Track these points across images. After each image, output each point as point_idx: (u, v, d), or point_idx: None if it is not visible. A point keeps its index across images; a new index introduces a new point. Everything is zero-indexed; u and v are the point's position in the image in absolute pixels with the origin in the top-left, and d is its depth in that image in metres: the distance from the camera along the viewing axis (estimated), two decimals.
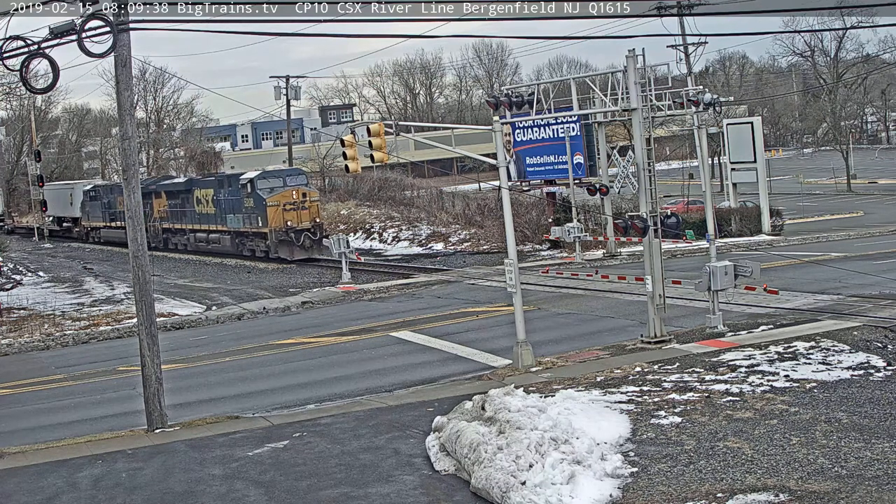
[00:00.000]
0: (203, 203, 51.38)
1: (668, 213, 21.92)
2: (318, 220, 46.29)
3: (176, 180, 57.84)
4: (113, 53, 16.72)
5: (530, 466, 12.21)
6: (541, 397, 15.16)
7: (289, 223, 44.51)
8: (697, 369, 17.62)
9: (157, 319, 19.73)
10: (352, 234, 46.45)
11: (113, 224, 61.87)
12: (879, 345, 18.66)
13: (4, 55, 16.79)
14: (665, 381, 16.88)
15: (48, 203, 72.46)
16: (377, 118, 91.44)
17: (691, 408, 14.98)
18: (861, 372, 16.49)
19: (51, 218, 74.18)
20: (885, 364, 16.90)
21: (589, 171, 42.09)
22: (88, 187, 68.12)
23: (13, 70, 19.06)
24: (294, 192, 45.13)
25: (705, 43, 52.97)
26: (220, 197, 49.64)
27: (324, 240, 45.22)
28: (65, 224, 73.71)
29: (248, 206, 46.28)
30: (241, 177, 47.94)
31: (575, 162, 41.20)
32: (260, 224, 45.78)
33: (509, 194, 21.04)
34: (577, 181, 40.86)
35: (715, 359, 18.33)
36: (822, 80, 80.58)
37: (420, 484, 13.07)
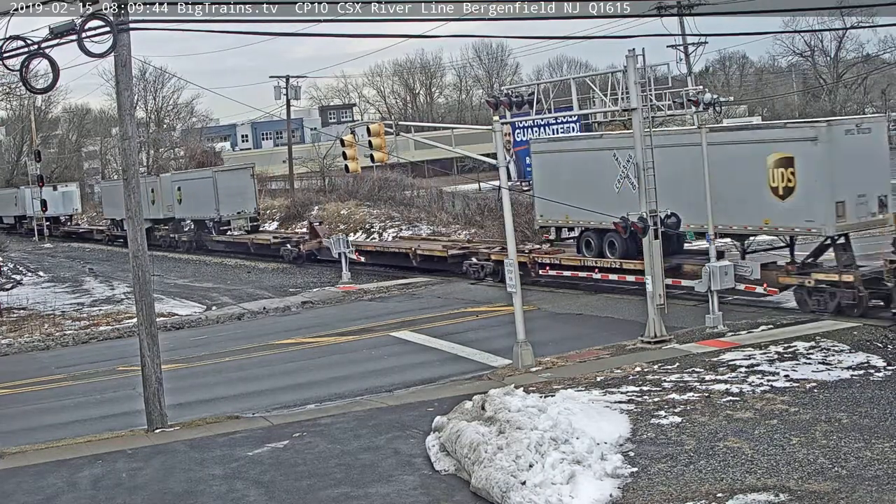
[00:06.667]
0: None
1: (669, 213, 21.85)
2: None
3: None
4: (113, 53, 16.74)
5: (530, 466, 12.21)
6: (541, 397, 15.16)
7: None
8: (697, 369, 17.62)
9: (157, 319, 19.75)
10: (352, 234, 46.21)
11: None
12: (879, 345, 18.66)
13: (4, 55, 16.80)
14: (665, 381, 16.88)
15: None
16: (377, 118, 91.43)
17: (691, 408, 14.98)
18: (861, 372, 16.49)
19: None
20: (885, 364, 16.91)
21: None
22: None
23: (13, 70, 19.09)
24: None
25: (705, 43, 52.78)
26: None
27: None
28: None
29: None
30: None
31: None
32: None
33: (509, 194, 21.05)
34: None
35: (715, 359, 18.33)
36: (822, 80, 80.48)
37: (420, 484, 13.08)
